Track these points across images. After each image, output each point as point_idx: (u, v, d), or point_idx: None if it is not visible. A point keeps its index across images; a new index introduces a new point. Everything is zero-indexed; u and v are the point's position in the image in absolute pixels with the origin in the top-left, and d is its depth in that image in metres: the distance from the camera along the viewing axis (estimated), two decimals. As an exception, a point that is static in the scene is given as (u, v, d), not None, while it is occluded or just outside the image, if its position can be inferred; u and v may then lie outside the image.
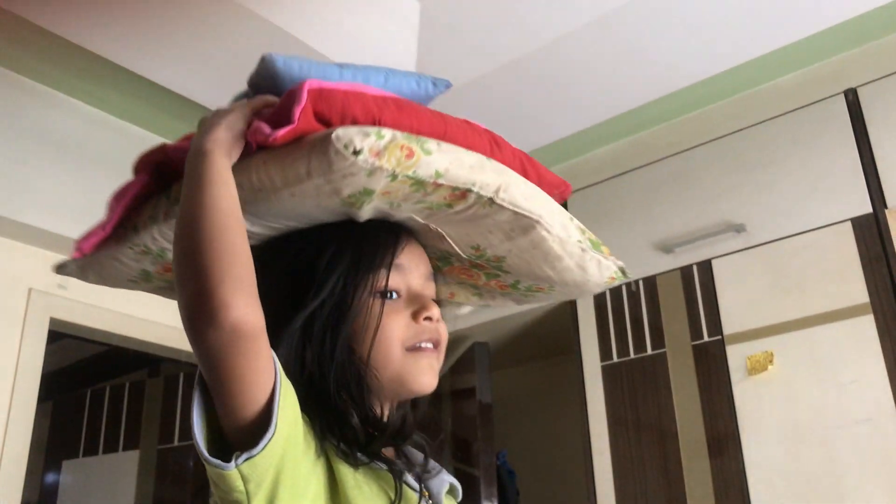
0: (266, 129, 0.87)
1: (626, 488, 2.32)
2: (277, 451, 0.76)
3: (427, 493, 0.93)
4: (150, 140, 2.53)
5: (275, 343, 0.83)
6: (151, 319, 2.57)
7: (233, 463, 0.74)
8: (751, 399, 2.15)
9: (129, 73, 2.18)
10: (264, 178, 0.90)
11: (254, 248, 0.88)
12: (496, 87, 2.32)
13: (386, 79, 1.03)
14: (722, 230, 2.32)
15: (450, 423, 2.94)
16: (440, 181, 0.89)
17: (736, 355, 2.21)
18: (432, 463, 0.99)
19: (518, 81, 2.32)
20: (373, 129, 0.85)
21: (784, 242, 2.22)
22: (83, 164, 2.44)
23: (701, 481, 2.18)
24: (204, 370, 0.76)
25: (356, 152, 0.83)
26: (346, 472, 0.86)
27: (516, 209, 0.95)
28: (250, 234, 0.95)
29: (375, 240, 0.97)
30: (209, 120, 0.89)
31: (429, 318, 0.96)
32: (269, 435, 0.74)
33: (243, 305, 0.74)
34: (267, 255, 0.98)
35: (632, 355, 2.42)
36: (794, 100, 2.33)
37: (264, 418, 0.75)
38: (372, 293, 0.94)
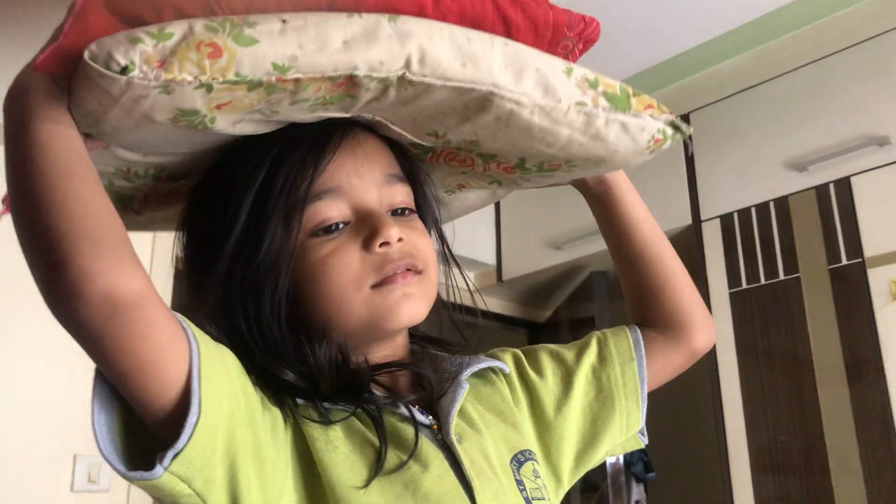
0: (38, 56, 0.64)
1: (756, 417, 2.24)
2: (217, 435, 0.60)
3: (432, 417, 0.77)
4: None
5: (202, 303, 0.71)
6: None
7: (158, 467, 0.58)
8: (895, 324, 2.01)
9: None
10: (82, 116, 0.67)
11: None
12: None
13: None
14: (862, 144, 2.15)
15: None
16: (289, 76, 0.64)
17: (879, 279, 2.06)
18: (450, 369, 0.82)
19: (634, -6, 2.19)
20: (148, 31, 0.61)
21: (934, 155, 2.05)
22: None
23: (839, 409, 2.07)
24: (95, 362, 0.60)
25: (124, 70, 0.60)
26: (317, 434, 0.70)
27: (450, 83, 0.69)
28: (161, 165, 0.80)
29: (290, 163, 0.75)
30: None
31: (385, 244, 0.74)
32: (191, 420, 0.58)
33: (111, 269, 0.57)
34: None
35: (762, 281, 2.30)
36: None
37: (186, 402, 0.59)
38: (298, 232, 0.74)
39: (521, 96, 0.72)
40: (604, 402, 0.89)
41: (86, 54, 0.60)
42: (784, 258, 2.27)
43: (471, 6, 0.74)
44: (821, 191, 2.23)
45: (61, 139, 0.63)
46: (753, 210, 2.36)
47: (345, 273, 0.74)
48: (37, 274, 0.59)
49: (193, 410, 0.58)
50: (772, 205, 2.33)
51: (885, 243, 2.07)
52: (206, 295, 0.74)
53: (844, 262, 2.14)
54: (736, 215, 2.40)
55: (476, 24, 0.74)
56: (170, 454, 0.58)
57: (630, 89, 0.80)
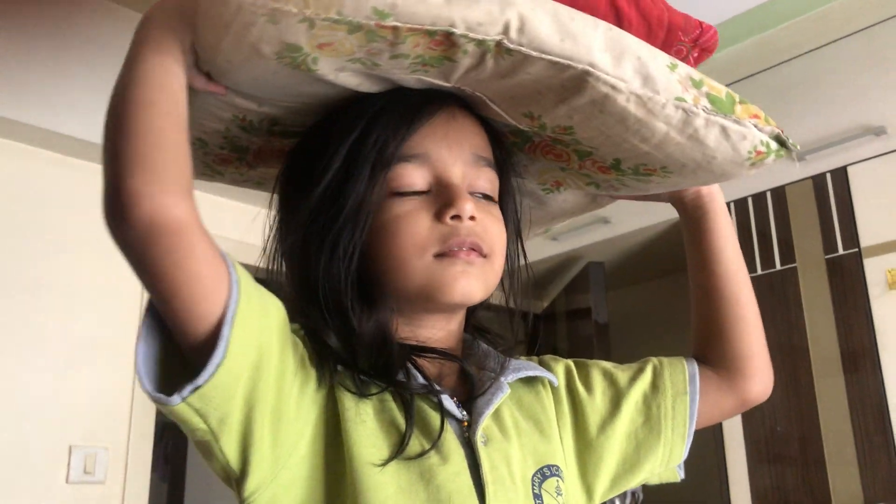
0: None
1: (752, 407, 2.23)
2: (240, 380, 0.63)
3: (465, 413, 0.77)
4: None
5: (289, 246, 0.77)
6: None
7: (177, 396, 0.61)
8: (891, 314, 2.02)
9: None
10: (202, 49, 0.71)
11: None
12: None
13: None
14: (858, 134, 2.15)
15: (565, 343, 2.90)
16: (388, 22, 0.65)
17: (875, 269, 2.06)
18: (496, 368, 0.82)
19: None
20: None
21: (930, 144, 2.05)
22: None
23: (835, 399, 2.07)
24: (141, 282, 0.63)
25: None
26: (349, 405, 0.71)
27: (546, 56, 0.69)
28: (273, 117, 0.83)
29: (385, 122, 0.77)
30: None
31: (457, 217, 0.75)
32: (215, 360, 0.60)
33: (159, 195, 0.60)
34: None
35: (759, 271, 2.30)
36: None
37: (216, 341, 0.61)
38: (380, 191, 0.76)
39: (618, 81, 0.72)
40: (650, 431, 0.89)
41: None
42: (781, 248, 2.27)
43: None
44: (817, 181, 2.23)
45: (158, 72, 0.67)
46: (750, 200, 2.36)
47: (412, 236, 0.75)
48: (103, 189, 0.63)
49: (219, 352, 0.61)
50: (769, 195, 2.33)
51: (881, 233, 2.07)
52: (288, 234, 0.79)
53: (841, 251, 2.14)
54: (733, 205, 2.40)
55: (587, 11, 0.74)
56: (189, 387, 0.61)
57: (737, 96, 0.78)
